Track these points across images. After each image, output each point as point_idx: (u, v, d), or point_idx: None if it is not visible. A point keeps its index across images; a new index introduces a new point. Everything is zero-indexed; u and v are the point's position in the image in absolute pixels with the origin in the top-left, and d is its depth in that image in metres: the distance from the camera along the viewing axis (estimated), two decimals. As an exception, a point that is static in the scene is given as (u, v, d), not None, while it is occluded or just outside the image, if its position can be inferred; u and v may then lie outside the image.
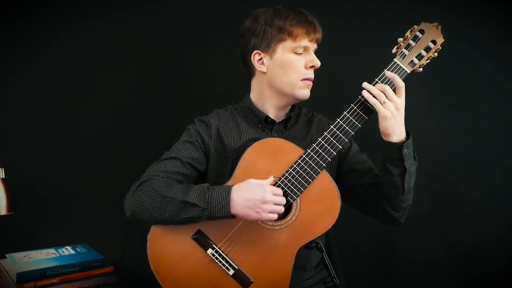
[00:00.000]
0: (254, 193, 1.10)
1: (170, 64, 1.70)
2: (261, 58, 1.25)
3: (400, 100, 1.14)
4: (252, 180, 1.13)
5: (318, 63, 1.24)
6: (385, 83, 1.16)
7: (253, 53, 1.25)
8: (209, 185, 1.15)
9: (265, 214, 1.10)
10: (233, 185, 1.13)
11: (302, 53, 1.23)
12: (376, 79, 1.18)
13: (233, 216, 1.12)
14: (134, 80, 1.69)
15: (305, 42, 1.22)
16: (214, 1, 1.69)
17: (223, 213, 1.11)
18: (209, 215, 1.11)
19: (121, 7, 1.63)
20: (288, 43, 1.22)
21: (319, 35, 1.25)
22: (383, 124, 1.14)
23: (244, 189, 1.12)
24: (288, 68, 1.23)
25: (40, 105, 1.61)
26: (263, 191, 1.10)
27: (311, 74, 1.25)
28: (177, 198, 1.12)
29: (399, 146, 1.14)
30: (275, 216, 1.12)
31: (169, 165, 1.22)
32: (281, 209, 1.13)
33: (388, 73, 1.16)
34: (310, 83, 1.25)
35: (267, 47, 1.23)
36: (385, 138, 1.16)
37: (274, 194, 1.11)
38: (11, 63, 1.59)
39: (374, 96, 1.15)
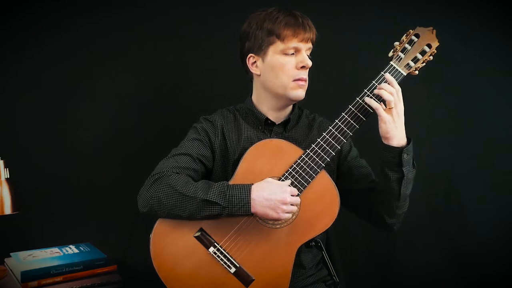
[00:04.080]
0: (274, 193, 1.12)
1: (171, 64, 1.70)
2: (255, 62, 1.27)
3: (401, 105, 1.15)
4: (270, 180, 1.15)
5: (308, 63, 1.23)
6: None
7: (248, 56, 1.27)
8: (228, 183, 1.17)
9: (283, 214, 1.13)
10: (252, 183, 1.15)
11: (293, 54, 1.23)
12: (374, 81, 1.19)
13: (252, 214, 1.14)
14: (135, 80, 1.69)
15: (294, 43, 1.22)
16: (215, 1, 1.69)
17: (243, 211, 1.13)
18: (229, 213, 1.13)
19: (121, 7, 1.63)
20: (278, 45, 1.22)
21: (310, 34, 1.23)
22: (383, 128, 1.15)
23: (264, 188, 1.13)
24: (278, 70, 1.23)
25: (43, 105, 1.62)
26: (283, 192, 1.12)
27: (302, 74, 1.24)
28: (197, 197, 1.13)
29: (399, 150, 1.15)
30: (290, 215, 1.15)
31: (180, 161, 1.23)
32: (296, 209, 1.15)
33: (387, 76, 1.16)
34: (303, 83, 1.25)
35: (259, 50, 1.24)
36: (385, 142, 1.17)
37: (292, 195, 1.14)
38: (11, 63, 1.58)
39: (377, 99, 1.15)
